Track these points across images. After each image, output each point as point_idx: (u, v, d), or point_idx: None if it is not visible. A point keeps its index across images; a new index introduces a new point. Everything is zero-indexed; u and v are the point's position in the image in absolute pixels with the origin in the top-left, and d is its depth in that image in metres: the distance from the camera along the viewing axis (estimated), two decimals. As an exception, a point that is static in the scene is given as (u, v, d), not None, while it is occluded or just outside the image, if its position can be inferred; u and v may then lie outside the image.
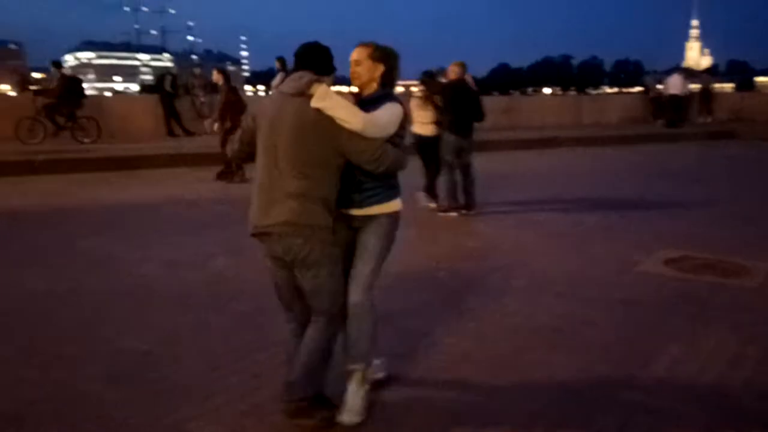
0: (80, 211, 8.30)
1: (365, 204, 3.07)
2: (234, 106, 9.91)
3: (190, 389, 3.42)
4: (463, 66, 7.96)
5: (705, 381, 3.52)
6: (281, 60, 14.87)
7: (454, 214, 7.98)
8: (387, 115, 2.94)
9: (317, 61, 3.00)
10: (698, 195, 9.57)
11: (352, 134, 2.83)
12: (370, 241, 3.07)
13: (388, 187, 3.12)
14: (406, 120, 3.07)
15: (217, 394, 3.36)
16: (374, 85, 3.07)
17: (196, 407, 3.23)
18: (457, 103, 7.82)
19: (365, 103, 2.99)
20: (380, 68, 3.05)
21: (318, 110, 2.81)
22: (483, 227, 7.53)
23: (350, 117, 2.81)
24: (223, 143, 9.61)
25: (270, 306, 4.65)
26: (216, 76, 10.70)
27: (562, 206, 8.52)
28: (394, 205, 3.15)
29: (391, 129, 2.97)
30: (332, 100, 2.81)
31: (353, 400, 3.06)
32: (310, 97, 2.83)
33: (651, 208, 8.52)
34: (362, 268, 3.05)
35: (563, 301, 4.82)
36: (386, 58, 3.07)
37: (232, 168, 10.24)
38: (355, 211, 3.08)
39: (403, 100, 3.22)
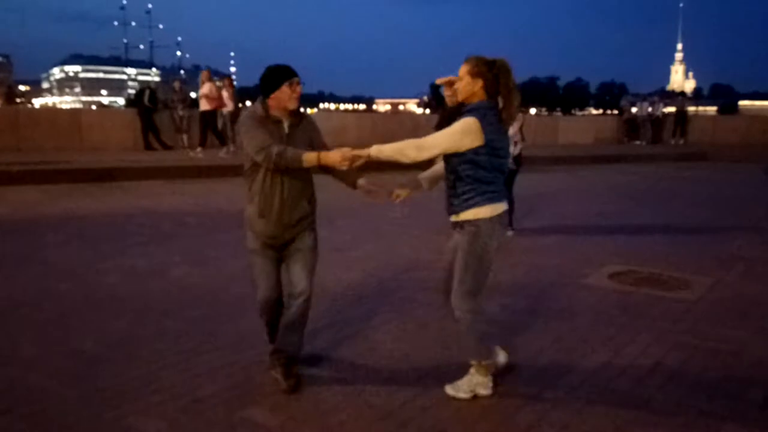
0: (51, 221, 8.43)
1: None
2: None
3: (135, 388, 3.60)
4: None
5: (622, 383, 3.76)
6: None
7: None
8: (432, 137, 3.40)
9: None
10: (657, 213, 9.88)
11: None
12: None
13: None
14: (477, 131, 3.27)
15: (160, 392, 3.55)
16: (474, 98, 3.37)
17: (137, 404, 3.41)
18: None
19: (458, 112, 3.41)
20: (479, 83, 3.33)
21: None
22: (444, 240, 7.73)
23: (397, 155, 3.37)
24: None
25: (221, 312, 4.88)
26: None
27: (524, 224, 8.76)
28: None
29: (438, 146, 3.36)
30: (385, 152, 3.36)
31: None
32: None
33: (608, 225, 8.80)
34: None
35: (504, 310, 5.04)
36: (483, 73, 3.32)
37: None
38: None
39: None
